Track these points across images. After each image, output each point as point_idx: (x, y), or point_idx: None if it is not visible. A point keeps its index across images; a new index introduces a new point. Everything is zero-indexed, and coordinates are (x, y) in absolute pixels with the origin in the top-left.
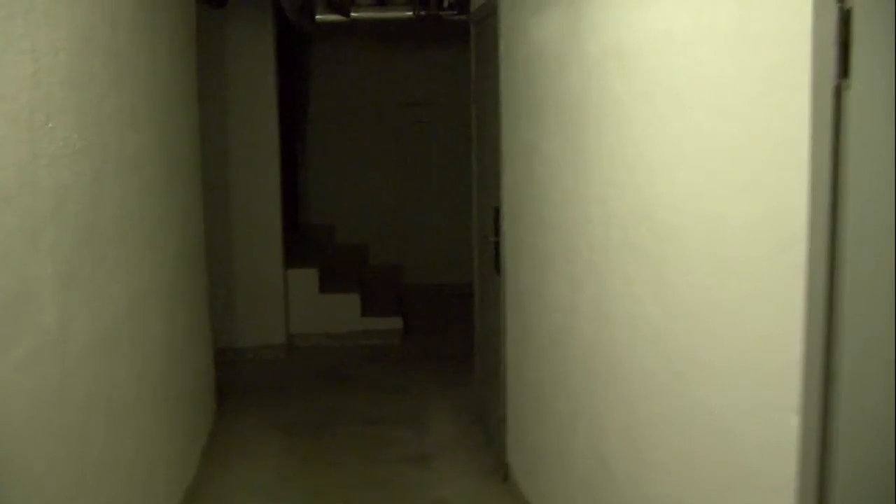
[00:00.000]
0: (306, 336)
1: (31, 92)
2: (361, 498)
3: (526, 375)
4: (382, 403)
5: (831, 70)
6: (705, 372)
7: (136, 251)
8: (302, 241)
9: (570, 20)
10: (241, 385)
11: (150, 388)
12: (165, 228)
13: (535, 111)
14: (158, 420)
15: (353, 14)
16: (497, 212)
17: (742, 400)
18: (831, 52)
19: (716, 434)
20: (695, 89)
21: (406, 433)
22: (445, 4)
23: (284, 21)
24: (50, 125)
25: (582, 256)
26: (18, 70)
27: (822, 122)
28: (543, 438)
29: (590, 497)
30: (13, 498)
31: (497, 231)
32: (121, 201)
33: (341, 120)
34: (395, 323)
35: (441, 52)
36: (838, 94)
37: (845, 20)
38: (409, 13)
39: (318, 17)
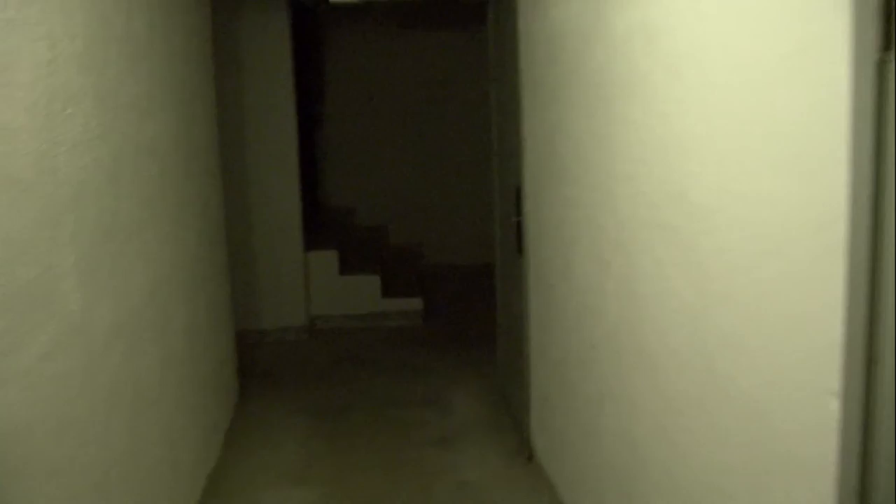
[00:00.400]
0: (327, 318)
1: (49, 79)
2: (385, 480)
3: (550, 356)
4: (404, 385)
5: (873, 43)
6: (740, 353)
7: (157, 237)
8: (322, 223)
9: None
10: (263, 367)
11: (174, 373)
12: (185, 213)
13: (558, 90)
14: (182, 405)
15: None
16: (519, 191)
17: (779, 382)
18: (873, 24)
19: (751, 417)
20: (726, 64)
21: (429, 415)
22: None
23: (299, 4)
24: (68, 112)
25: (609, 236)
26: (35, 57)
27: (862, 96)
28: (569, 420)
29: (618, 479)
30: (35, 492)
31: (519, 211)
32: (140, 187)
33: (359, 102)
34: (416, 304)
35: (457, 32)
36: (881, 67)
37: None
38: None
39: None
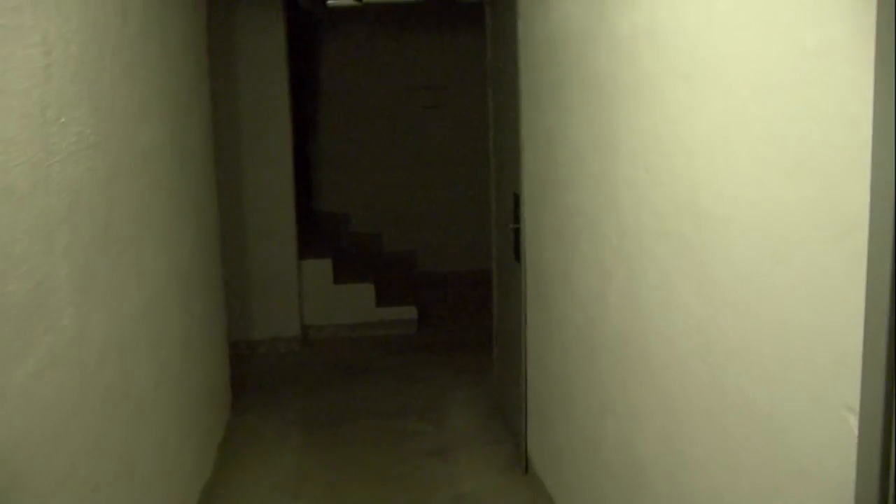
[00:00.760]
0: (321, 327)
1: (43, 86)
2: (381, 493)
3: (548, 366)
4: (400, 395)
5: None
6: (751, 364)
7: (152, 247)
8: (316, 231)
9: None
10: (256, 378)
11: (168, 387)
12: (180, 223)
13: (558, 94)
14: (176, 419)
15: None
16: (517, 198)
17: (793, 395)
18: None
19: (762, 430)
20: (738, 67)
21: (424, 426)
22: None
23: (295, 7)
24: (63, 120)
25: (611, 244)
26: (29, 64)
27: (886, 99)
28: (569, 431)
29: (620, 492)
30: None
31: (517, 218)
32: (135, 197)
33: (353, 107)
34: (410, 312)
35: (452, 35)
36: None
37: None
38: None
39: (329, 1)
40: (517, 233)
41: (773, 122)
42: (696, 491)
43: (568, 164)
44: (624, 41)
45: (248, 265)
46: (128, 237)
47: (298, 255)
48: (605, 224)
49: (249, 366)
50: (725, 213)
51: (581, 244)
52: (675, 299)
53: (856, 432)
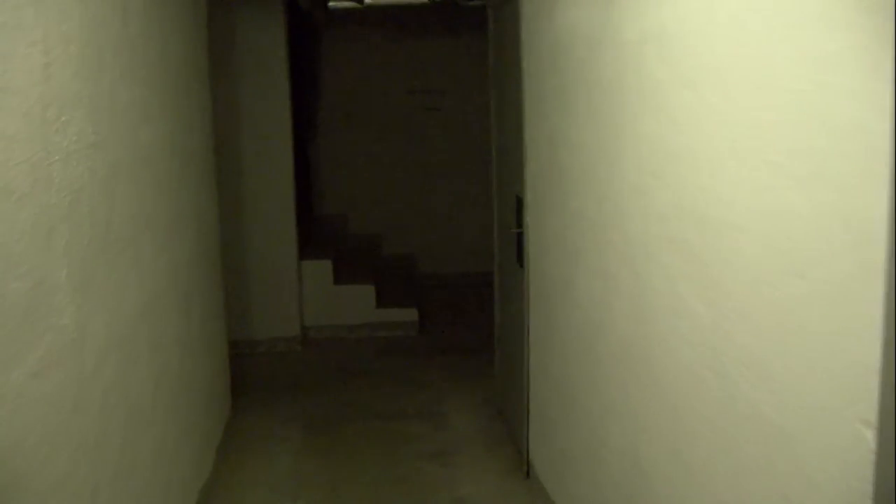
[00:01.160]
0: (320, 328)
1: (44, 85)
2: (380, 496)
3: (550, 371)
4: (400, 397)
5: None
6: (761, 375)
7: (151, 248)
8: (316, 232)
9: (600, 4)
10: (256, 379)
11: (167, 387)
12: (180, 223)
13: (562, 98)
14: (175, 420)
15: (367, 0)
16: (519, 201)
17: (805, 408)
18: None
19: (773, 443)
20: (746, 74)
21: (425, 428)
22: None
23: (296, 9)
24: (63, 119)
25: (616, 249)
26: (30, 63)
27: None
28: (571, 436)
29: (623, 499)
30: None
31: (519, 221)
32: (135, 197)
33: (354, 109)
34: (411, 314)
35: (454, 38)
36: None
37: None
38: None
39: (331, 3)
40: (520, 237)
41: (782, 129)
42: (699, 499)
43: (572, 168)
44: (630, 46)
45: (248, 266)
46: (128, 237)
47: (299, 255)
48: (609, 230)
49: (249, 366)
50: (732, 220)
51: (585, 249)
52: (680, 306)
53: (873, 446)
